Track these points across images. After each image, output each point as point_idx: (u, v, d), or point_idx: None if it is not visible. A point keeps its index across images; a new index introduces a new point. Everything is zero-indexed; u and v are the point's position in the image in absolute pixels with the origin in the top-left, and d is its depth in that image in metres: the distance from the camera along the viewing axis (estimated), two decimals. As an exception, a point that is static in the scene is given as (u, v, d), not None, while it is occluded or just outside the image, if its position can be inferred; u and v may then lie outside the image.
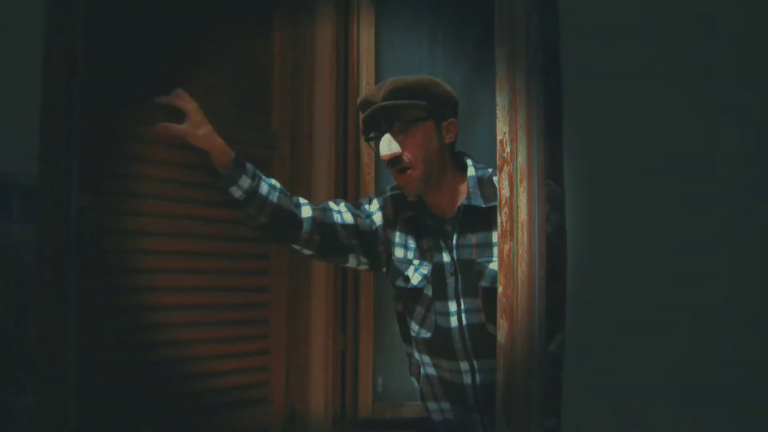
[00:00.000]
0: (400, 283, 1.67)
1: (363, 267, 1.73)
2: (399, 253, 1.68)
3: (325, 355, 1.97)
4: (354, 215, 1.68)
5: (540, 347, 1.27)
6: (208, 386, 1.70)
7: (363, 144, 2.11)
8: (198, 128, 1.54)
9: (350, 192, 2.09)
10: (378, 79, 2.14)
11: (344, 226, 1.65)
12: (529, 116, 1.27)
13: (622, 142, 1.23)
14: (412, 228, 1.67)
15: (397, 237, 1.69)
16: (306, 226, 1.61)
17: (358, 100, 1.64)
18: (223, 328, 1.75)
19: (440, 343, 1.63)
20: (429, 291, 1.63)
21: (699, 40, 1.20)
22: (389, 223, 1.70)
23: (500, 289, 1.32)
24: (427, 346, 1.66)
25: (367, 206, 1.72)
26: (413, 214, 1.66)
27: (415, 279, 1.64)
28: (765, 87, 1.19)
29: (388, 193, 1.74)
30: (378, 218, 1.70)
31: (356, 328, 2.07)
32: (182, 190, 1.68)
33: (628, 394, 1.21)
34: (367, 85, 2.11)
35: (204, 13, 1.73)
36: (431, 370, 1.69)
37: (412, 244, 1.67)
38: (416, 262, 1.65)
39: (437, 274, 1.62)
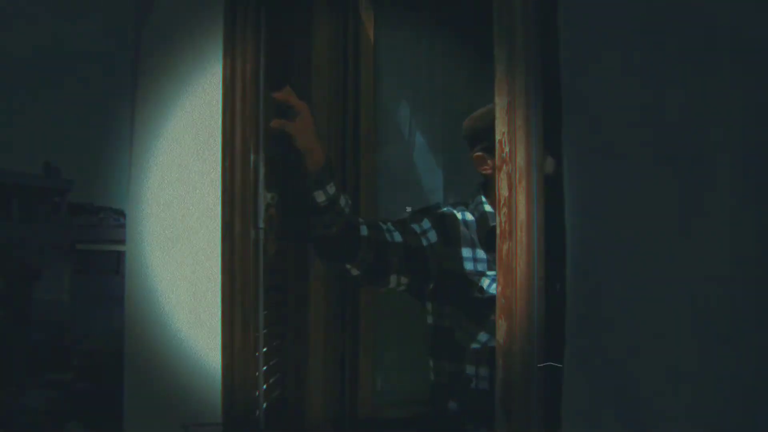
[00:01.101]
0: (476, 294, 1.68)
1: (401, 288, 1.72)
2: (468, 266, 1.70)
3: (324, 354, 1.97)
4: (402, 233, 1.69)
5: (539, 347, 1.28)
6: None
7: (363, 147, 2.11)
8: (307, 127, 1.56)
9: (349, 192, 2.09)
10: (376, 80, 2.14)
11: (394, 244, 1.66)
12: (528, 117, 1.28)
13: (621, 142, 1.24)
14: (487, 241, 1.69)
15: (464, 252, 1.70)
16: (364, 244, 1.63)
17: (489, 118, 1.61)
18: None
19: None
20: None
21: (699, 39, 1.21)
22: (447, 239, 1.71)
23: (499, 288, 1.32)
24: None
25: (415, 225, 1.73)
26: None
27: (494, 288, 1.66)
28: (765, 84, 1.19)
29: (440, 211, 1.76)
30: (432, 235, 1.71)
31: (356, 327, 2.07)
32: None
33: (629, 393, 1.21)
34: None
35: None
36: (485, 386, 1.67)
37: (482, 256, 1.70)
38: (491, 272, 1.67)
39: None
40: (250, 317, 1.42)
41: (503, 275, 1.31)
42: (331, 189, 1.58)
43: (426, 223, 1.73)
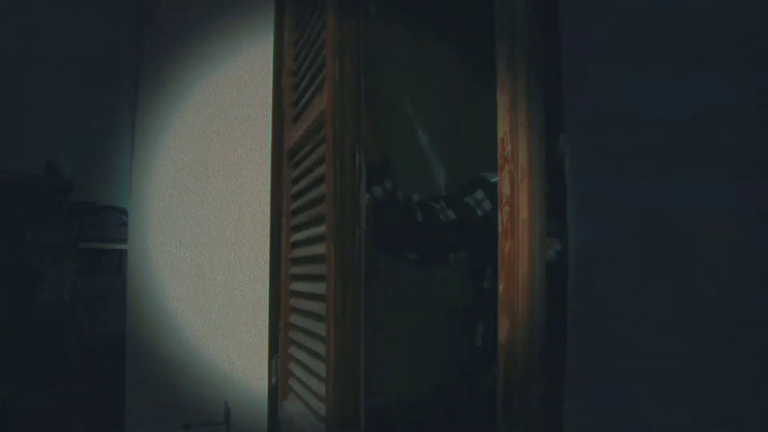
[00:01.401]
0: None
1: (461, 261, 1.77)
2: None
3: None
4: (456, 210, 1.72)
5: (541, 346, 1.28)
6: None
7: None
8: (366, 126, 1.61)
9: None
10: (378, 76, 2.14)
11: (449, 223, 1.71)
12: (530, 115, 1.28)
13: (623, 141, 1.23)
14: None
15: None
16: (420, 231, 1.68)
17: None
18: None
19: None
20: None
21: (703, 38, 1.20)
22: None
23: (501, 287, 1.32)
24: None
25: (468, 197, 1.76)
26: None
27: None
28: None
29: (494, 180, 1.77)
30: (487, 204, 1.74)
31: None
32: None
33: (632, 395, 1.21)
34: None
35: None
36: None
37: None
38: None
39: None
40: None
41: (505, 274, 1.31)
42: (389, 184, 1.63)
43: (480, 194, 1.76)
